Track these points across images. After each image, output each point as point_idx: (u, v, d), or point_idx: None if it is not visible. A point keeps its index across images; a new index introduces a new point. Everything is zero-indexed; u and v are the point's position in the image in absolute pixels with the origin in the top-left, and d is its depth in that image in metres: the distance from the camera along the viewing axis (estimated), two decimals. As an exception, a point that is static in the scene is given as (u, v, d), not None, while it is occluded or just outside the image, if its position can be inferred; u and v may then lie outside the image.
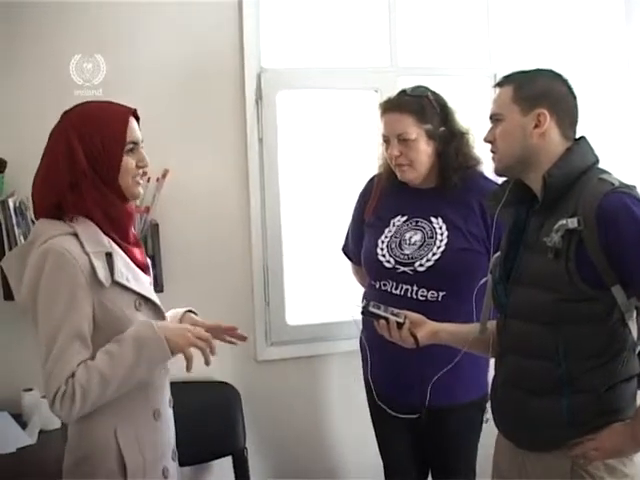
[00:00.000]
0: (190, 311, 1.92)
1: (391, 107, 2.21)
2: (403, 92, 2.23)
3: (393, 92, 2.80)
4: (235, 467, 2.66)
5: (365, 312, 1.89)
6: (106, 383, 1.52)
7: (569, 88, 1.73)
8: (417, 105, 2.17)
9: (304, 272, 2.89)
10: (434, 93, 2.21)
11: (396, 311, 1.87)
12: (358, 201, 2.41)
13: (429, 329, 1.86)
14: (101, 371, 1.52)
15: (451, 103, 2.24)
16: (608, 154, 2.86)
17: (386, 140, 2.22)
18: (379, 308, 1.88)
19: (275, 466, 2.80)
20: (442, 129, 2.18)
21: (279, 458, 2.83)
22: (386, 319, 1.86)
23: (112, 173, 1.62)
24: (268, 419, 2.81)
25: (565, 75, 1.74)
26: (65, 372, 1.51)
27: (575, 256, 1.58)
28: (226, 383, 2.73)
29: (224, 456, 2.67)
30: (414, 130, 2.15)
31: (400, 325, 1.84)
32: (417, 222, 2.21)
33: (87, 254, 1.56)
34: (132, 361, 1.55)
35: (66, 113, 1.66)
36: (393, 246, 2.20)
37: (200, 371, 2.62)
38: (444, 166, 2.18)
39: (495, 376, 1.83)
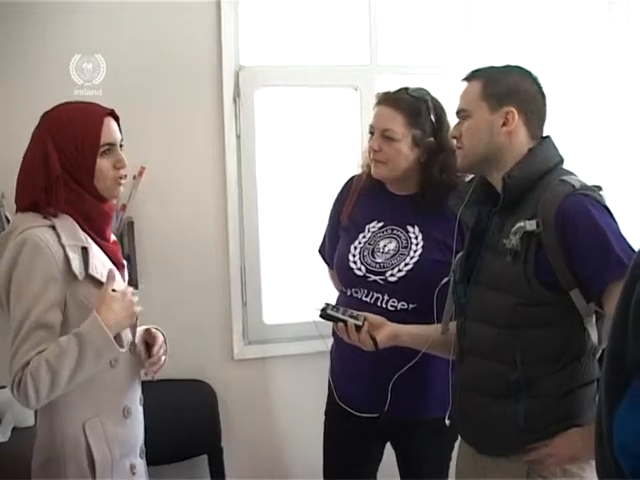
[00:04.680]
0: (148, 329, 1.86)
1: (386, 100, 2.09)
2: (405, 89, 2.09)
3: (372, 90, 2.82)
4: (210, 466, 2.67)
5: (323, 315, 1.87)
6: (54, 372, 1.50)
7: (539, 86, 1.70)
8: (413, 106, 2.05)
9: (281, 271, 2.87)
10: (435, 100, 2.08)
11: (355, 313, 1.85)
12: (335, 202, 2.31)
13: (389, 331, 1.84)
14: (48, 360, 1.50)
15: (448, 116, 2.07)
16: (590, 151, 2.92)
17: (371, 132, 2.12)
18: (337, 311, 1.86)
19: (251, 465, 2.79)
20: (431, 139, 2.04)
21: (255, 457, 2.82)
22: (344, 322, 1.84)
23: (86, 176, 1.64)
24: (244, 418, 2.80)
25: (535, 73, 1.72)
26: (22, 360, 1.51)
27: (534, 259, 1.56)
28: (202, 382, 2.72)
29: (200, 455, 2.68)
30: (401, 130, 2.04)
31: (359, 328, 1.82)
32: (393, 230, 2.12)
33: (63, 246, 1.57)
34: (76, 352, 1.52)
35: (45, 114, 1.67)
36: (365, 253, 2.11)
37: (177, 369, 2.66)
38: (425, 177, 2.07)
39: (455, 378, 1.80)
